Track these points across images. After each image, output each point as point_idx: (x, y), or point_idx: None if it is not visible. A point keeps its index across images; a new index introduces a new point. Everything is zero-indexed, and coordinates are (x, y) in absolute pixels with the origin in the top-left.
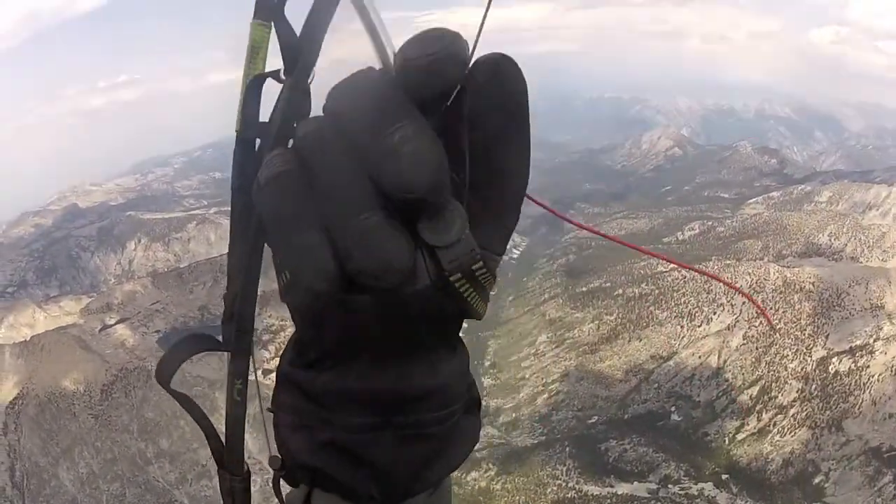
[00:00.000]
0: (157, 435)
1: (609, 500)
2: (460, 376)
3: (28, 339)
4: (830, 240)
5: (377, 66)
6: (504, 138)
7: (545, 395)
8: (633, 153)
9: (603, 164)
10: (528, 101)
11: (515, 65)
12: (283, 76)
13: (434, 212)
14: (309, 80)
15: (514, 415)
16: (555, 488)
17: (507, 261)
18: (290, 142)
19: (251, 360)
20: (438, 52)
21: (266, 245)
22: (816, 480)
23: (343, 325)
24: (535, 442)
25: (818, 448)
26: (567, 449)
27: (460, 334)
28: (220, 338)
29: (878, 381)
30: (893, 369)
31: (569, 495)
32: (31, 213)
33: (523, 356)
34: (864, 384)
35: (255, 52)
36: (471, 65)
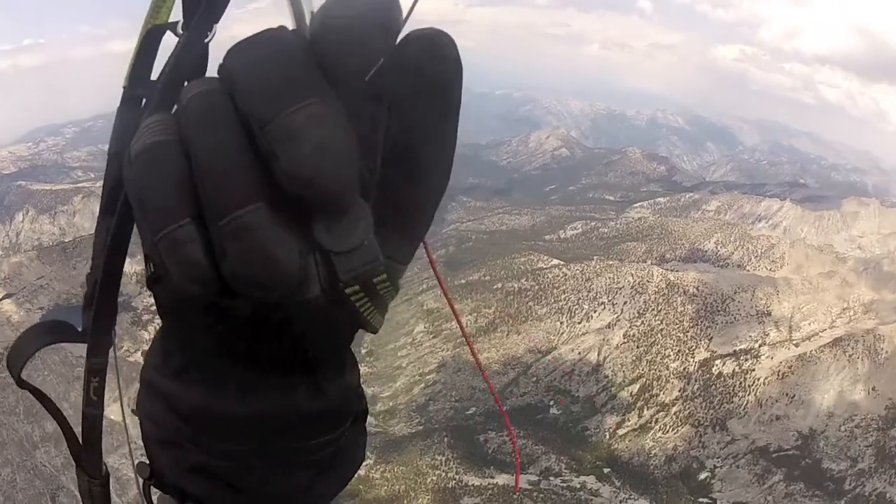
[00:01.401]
0: (42, 418)
1: (490, 491)
2: (350, 396)
3: None
4: (717, 247)
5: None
6: (428, 129)
7: (422, 385)
8: (520, 150)
9: (488, 160)
10: (461, 89)
11: (453, 44)
12: (180, 30)
13: (335, 211)
14: (208, 38)
15: (391, 403)
16: (434, 478)
17: None
18: (176, 106)
19: (114, 353)
20: (364, 13)
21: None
22: (701, 476)
23: (215, 333)
24: (413, 431)
25: (702, 446)
26: (446, 439)
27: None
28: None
29: (763, 384)
30: (780, 374)
31: (449, 485)
32: None
33: (400, 345)
34: (748, 386)
35: (161, 1)
36: (401, 37)
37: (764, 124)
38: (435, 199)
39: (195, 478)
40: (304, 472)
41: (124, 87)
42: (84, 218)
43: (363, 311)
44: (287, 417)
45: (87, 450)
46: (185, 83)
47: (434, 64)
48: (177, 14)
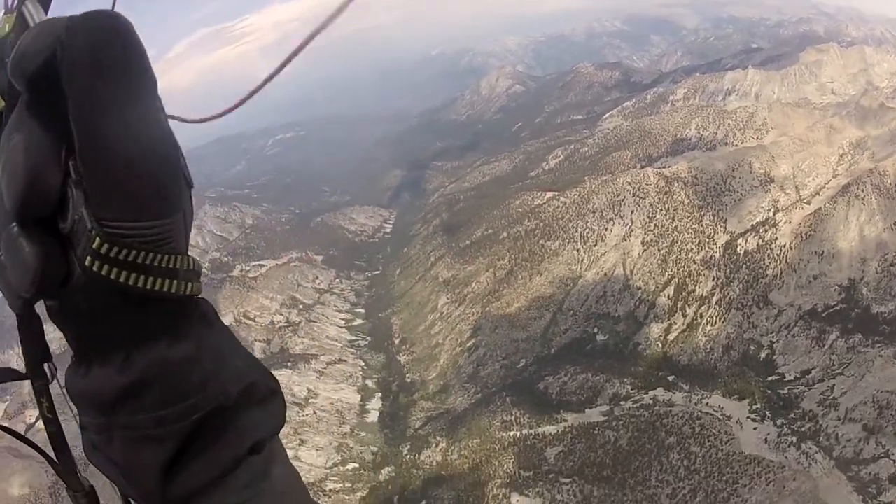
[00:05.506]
0: None
1: (570, 434)
2: (173, 369)
3: None
4: (698, 132)
5: None
6: (99, 100)
7: (465, 355)
8: (475, 101)
9: (448, 119)
10: (125, 54)
11: (100, 17)
12: None
13: (45, 206)
14: None
15: (441, 382)
16: (511, 439)
17: (383, 236)
18: None
19: (58, 383)
20: (22, 45)
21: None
22: (762, 356)
23: (62, 330)
24: (473, 401)
25: (753, 326)
26: (507, 399)
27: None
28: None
29: (791, 248)
30: (803, 235)
31: (528, 442)
32: None
33: (430, 324)
34: (777, 255)
35: None
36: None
37: (699, 3)
38: (132, 158)
39: (94, 455)
40: (152, 448)
41: None
42: None
43: (126, 281)
44: (106, 393)
45: (63, 464)
46: None
47: (84, 44)
48: None
